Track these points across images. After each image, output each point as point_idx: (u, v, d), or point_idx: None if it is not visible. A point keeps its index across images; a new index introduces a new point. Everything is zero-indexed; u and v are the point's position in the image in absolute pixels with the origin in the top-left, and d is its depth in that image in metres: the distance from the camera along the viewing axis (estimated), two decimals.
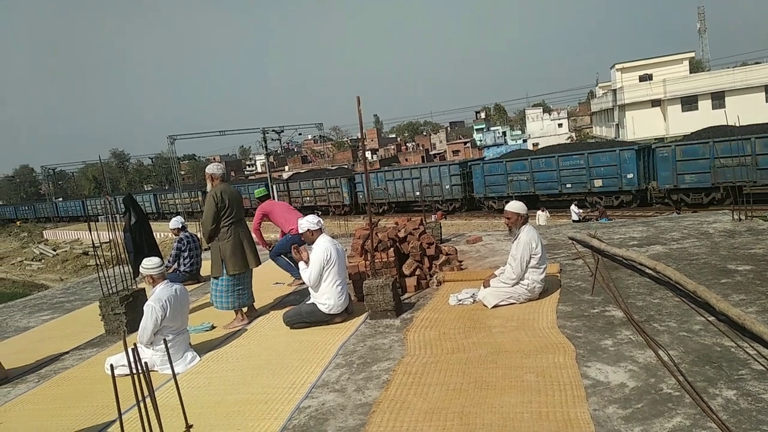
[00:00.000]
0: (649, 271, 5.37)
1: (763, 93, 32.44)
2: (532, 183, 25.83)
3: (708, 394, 3.01)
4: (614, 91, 40.18)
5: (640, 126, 36.21)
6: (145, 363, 2.47)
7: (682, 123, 33.67)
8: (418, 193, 28.72)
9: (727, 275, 5.18)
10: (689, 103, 34.89)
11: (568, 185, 24.58)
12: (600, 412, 2.97)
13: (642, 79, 38.96)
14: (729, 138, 19.31)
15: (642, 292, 4.98)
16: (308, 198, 36.18)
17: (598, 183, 23.58)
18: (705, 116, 32.06)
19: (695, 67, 48.03)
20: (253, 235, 6.23)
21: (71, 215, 57.29)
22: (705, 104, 34.24)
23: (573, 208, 22.01)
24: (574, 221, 20.07)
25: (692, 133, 23.30)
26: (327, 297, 5.08)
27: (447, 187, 28.97)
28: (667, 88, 35.30)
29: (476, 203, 28.89)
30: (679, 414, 2.86)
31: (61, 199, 66.04)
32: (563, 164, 24.62)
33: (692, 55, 43.17)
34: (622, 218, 19.55)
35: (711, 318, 4.10)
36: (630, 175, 22.61)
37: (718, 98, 33.67)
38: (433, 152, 76.75)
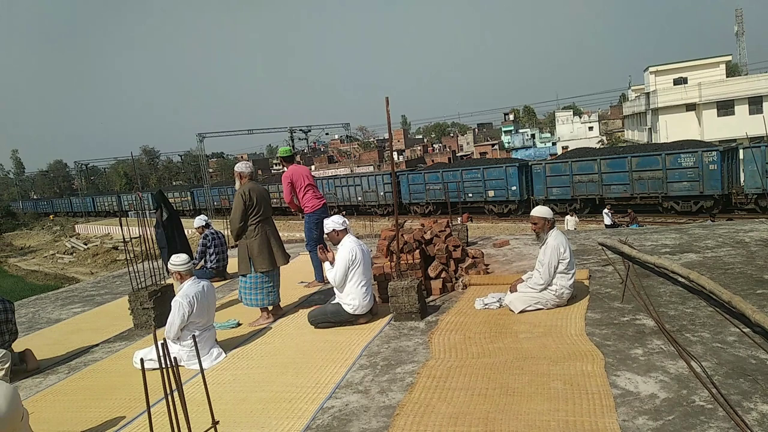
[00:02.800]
0: (682, 280, 5.24)
1: None
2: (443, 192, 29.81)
3: (742, 407, 2.92)
4: (647, 94, 39.34)
5: (674, 130, 35.38)
6: (174, 358, 2.50)
7: (717, 128, 32.83)
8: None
9: (763, 286, 5.02)
10: (725, 107, 33.95)
11: (470, 194, 29.34)
12: (629, 423, 2.90)
13: (676, 82, 38.09)
14: (582, 158, 26.03)
15: (674, 301, 4.86)
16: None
17: (491, 193, 28.90)
18: (741, 121, 31.20)
19: (732, 70, 46.76)
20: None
21: (107, 210, 58.80)
22: (742, 109, 33.28)
23: (606, 212, 21.66)
24: (606, 226, 19.74)
25: (561, 154, 26.40)
26: (352, 297, 5.09)
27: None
28: (703, 92, 34.41)
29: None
30: (711, 427, 2.77)
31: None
32: (466, 177, 29.55)
33: (729, 58, 41.98)
34: (653, 225, 19.16)
35: (746, 329, 3.97)
36: (514, 188, 28.02)
37: (755, 103, 32.69)
38: (460, 154, 76.35)
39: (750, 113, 32.51)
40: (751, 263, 5.91)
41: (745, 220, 10.47)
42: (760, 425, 2.74)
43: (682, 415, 2.93)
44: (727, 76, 38.53)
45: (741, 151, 22.39)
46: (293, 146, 43.30)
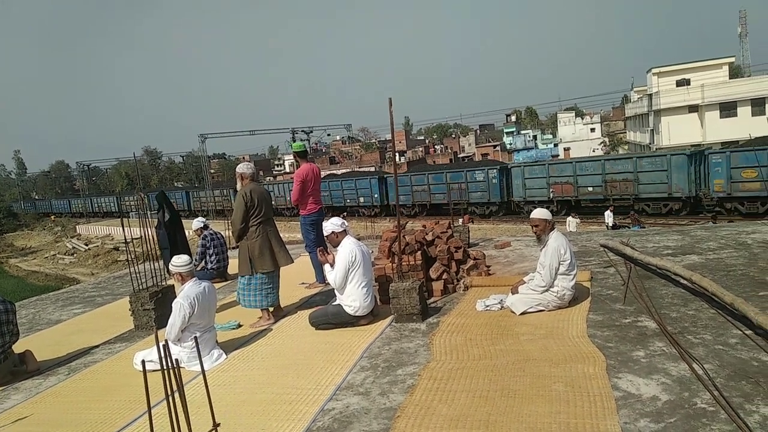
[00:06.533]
0: (684, 282, 5.22)
1: None
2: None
3: (744, 410, 2.91)
4: (650, 95, 39.27)
5: (676, 132, 35.34)
6: (175, 359, 2.50)
7: (720, 130, 32.81)
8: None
9: (766, 287, 5.00)
10: (728, 109, 33.89)
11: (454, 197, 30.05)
12: (631, 426, 2.89)
13: (679, 83, 38.00)
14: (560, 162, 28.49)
15: (676, 303, 4.84)
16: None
17: (474, 195, 29.59)
18: (744, 123, 31.16)
19: (735, 72, 46.68)
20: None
21: (105, 211, 58.86)
22: (744, 111, 33.23)
23: (608, 213, 21.68)
24: (609, 227, 19.73)
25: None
26: (353, 299, 5.08)
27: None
28: (706, 93, 34.36)
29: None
30: (713, 430, 2.76)
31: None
32: (450, 179, 30.31)
33: (732, 60, 41.91)
34: (655, 226, 19.16)
35: (748, 332, 3.96)
36: (495, 190, 29.15)
37: (758, 105, 32.66)
38: (462, 155, 76.32)
39: (753, 115, 32.49)
40: (754, 265, 5.89)
41: (748, 221, 10.45)
42: (762, 428, 2.73)
43: (683, 417, 2.91)
44: (730, 78, 38.44)
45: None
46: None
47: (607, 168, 25.14)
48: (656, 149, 34.61)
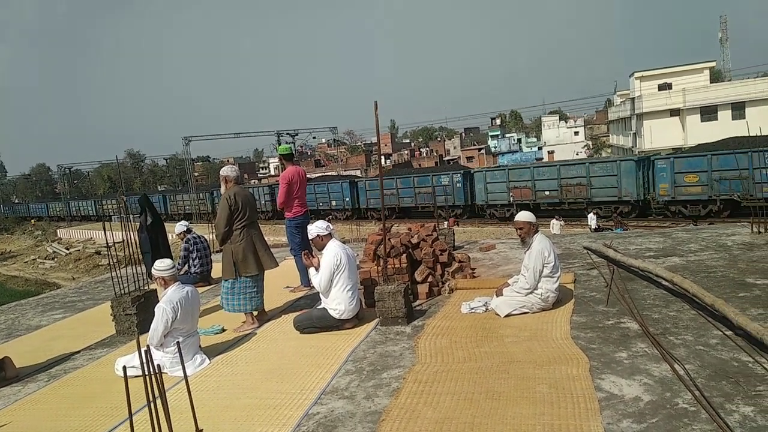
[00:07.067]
0: (666, 283, 5.28)
1: None
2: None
3: (725, 410, 2.94)
4: (632, 99, 39.76)
5: (658, 136, 35.82)
6: (157, 365, 2.47)
7: (700, 133, 33.23)
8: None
9: (745, 289, 5.08)
10: (709, 113, 34.42)
11: (421, 200, 31.50)
12: (614, 426, 2.91)
13: (661, 88, 38.52)
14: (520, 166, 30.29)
15: (658, 305, 4.90)
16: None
17: (440, 199, 29.55)
18: (725, 127, 31.60)
19: (716, 76, 47.40)
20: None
21: (83, 214, 58.12)
22: (725, 114, 33.76)
23: (591, 216, 21.91)
24: (592, 230, 19.93)
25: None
26: (338, 302, 5.06)
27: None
28: (687, 97, 34.87)
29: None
30: (695, 430, 2.79)
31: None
32: (417, 183, 31.43)
33: (713, 64, 42.56)
34: (637, 229, 19.39)
35: (728, 332, 4.01)
36: (459, 194, 29.99)
37: (738, 109, 33.20)
38: (447, 158, 76.62)
39: (733, 119, 32.99)
40: (734, 266, 5.98)
41: (728, 224, 10.61)
42: (742, 427, 2.76)
43: (665, 417, 2.94)
44: (710, 82, 39.05)
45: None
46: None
47: (562, 173, 26.13)
48: (639, 152, 35.02)
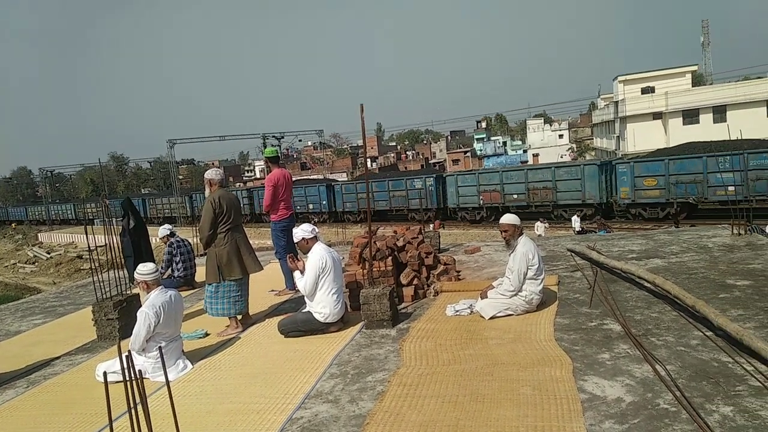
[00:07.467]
0: (648, 285, 5.34)
1: (765, 108, 32.35)
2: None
3: (705, 410, 2.98)
4: (616, 103, 40.21)
5: (641, 139, 36.23)
6: (139, 370, 2.44)
7: (682, 136, 33.70)
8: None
9: (725, 290, 5.15)
10: (691, 116, 34.87)
11: (395, 203, 32.19)
12: (596, 428, 2.93)
13: (644, 91, 39.00)
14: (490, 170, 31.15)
15: (640, 306, 4.95)
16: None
17: (413, 202, 30.76)
18: (706, 130, 32.06)
19: (697, 80, 48.09)
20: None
21: (62, 218, 57.37)
22: (706, 118, 34.21)
23: (575, 218, 22.13)
24: (576, 232, 20.10)
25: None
26: (323, 305, 5.04)
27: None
28: (669, 101, 35.30)
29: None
30: (675, 430, 2.82)
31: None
32: (392, 186, 31.99)
33: (695, 68, 43.18)
34: (620, 231, 19.60)
35: (709, 333, 4.07)
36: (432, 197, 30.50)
37: (719, 112, 33.66)
38: (433, 161, 76.87)
39: (714, 122, 33.44)
40: (714, 268, 6.06)
41: (708, 225, 10.77)
42: (721, 426, 2.80)
43: (647, 418, 2.97)
44: (692, 86, 39.60)
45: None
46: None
47: (529, 177, 26.93)
48: (622, 155, 35.39)
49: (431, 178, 30.56)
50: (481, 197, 28.17)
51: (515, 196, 27.22)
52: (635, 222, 23.75)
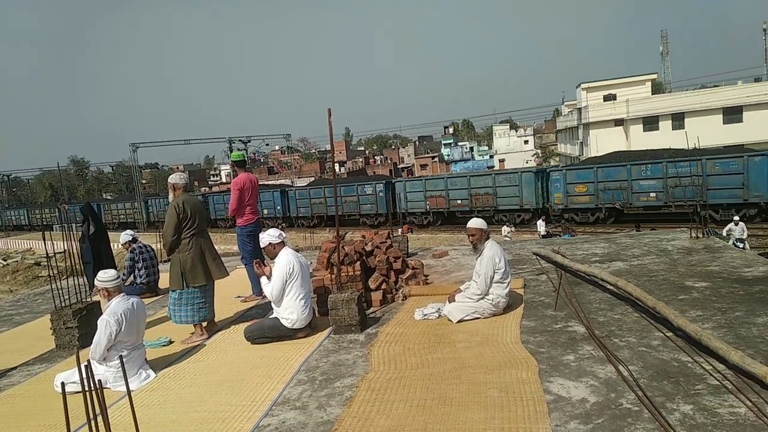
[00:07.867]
0: (611, 287, 5.46)
1: (721, 115, 33.59)
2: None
3: (666, 408, 3.05)
4: (579, 109, 41.12)
5: (604, 145, 37.11)
6: (98, 380, 2.37)
7: (643, 142, 34.65)
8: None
9: (684, 292, 5.30)
10: (650, 123, 35.89)
11: (348, 209, 32.56)
12: (562, 428, 2.97)
13: (606, 98, 39.99)
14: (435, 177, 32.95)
15: (603, 308, 5.05)
16: None
17: (364, 207, 32.07)
18: (665, 136, 33.05)
19: (657, 88, 49.56)
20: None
21: (15, 224, 55.52)
22: (665, 125, 35.27)
23: (540, 222, 22.52)
24: (542, 236, 20.44)
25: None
26: (290, 311, 4.99)
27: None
28: (630, 108, 36.30)
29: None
30: (638, 429, 2.88)
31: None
32: (344, 192, 32.50)
33: (655, 76, 44.49)
34: (584, 235, 20.00)
35: (669, 333, 4.17)
36: (382, 203, 31.56)
37: (678, 119, 34.74)
38: (401, 166, 77.15)
39: (673, 128, 34.49)
40: (674, 270, 6.23)
41: (668, 229, 11.09)
42: (682, 425, 2.87)
43: (610, 417, 3.03)
44: (652, 93, 40.78)
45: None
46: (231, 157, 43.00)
47: (472, 183, 28.08)
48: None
49: (381, 184, 31.42)
50: (427, 203, 29.10)
51: (459, 202, 28.29)
52: (599, 226, 24.34)
